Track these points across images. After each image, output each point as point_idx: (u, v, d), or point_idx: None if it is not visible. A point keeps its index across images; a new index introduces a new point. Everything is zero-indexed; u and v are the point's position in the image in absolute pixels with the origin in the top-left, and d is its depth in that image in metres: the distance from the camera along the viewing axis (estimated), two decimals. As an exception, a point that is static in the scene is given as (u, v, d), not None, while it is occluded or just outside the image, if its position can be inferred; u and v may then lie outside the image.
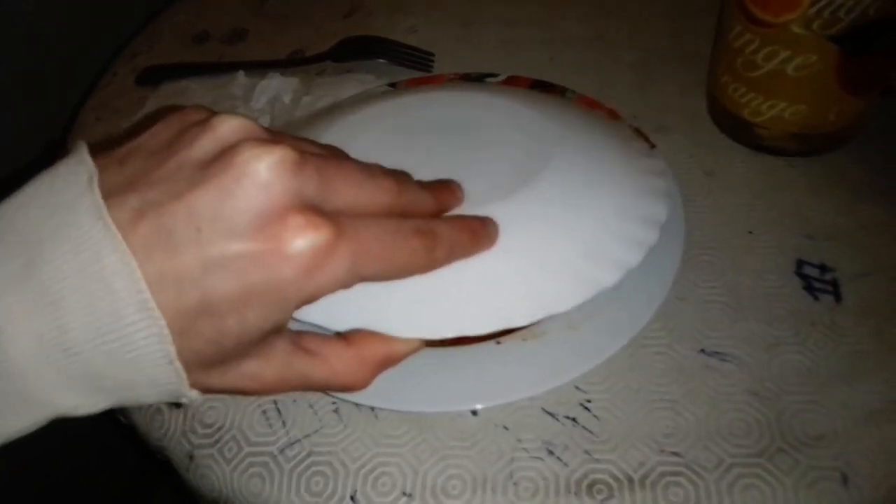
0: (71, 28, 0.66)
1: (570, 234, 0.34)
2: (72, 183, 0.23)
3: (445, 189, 0.33)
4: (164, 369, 0.23)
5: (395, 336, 0.31)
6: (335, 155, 0.29)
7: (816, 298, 0.39)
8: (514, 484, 0.33)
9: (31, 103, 0.64)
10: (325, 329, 0.31)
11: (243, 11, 0.67)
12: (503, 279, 0.33)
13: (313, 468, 0.35)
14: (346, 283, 0.25)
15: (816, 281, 0.40)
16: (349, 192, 0.26)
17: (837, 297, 0.39)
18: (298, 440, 0.36)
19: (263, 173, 0.23)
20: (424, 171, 0.33)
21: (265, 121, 0.54)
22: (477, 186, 0.34)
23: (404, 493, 0.33)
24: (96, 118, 0.57)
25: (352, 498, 0.33)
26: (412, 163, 0.33)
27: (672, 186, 0.43)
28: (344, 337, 0.30)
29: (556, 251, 0.34)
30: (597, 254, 0.34)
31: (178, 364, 0.23)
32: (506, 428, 0.35)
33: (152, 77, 0.60)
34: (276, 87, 0.56)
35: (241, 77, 0.57)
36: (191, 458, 0.36)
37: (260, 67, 0.58)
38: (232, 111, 0.52)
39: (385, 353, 0.30)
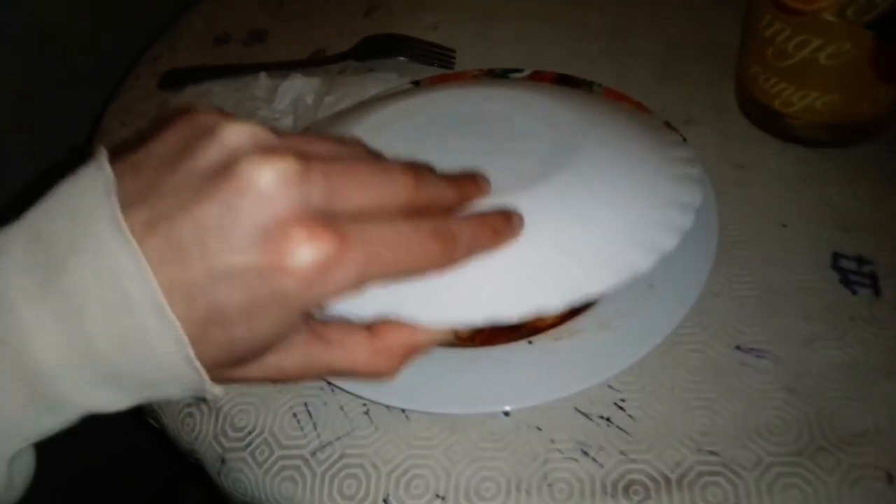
0: (92, 33, 0.67)
1: (602, 220, 0.33)
2: (91, 191, 0.24)
3: (469, 180, 0.32)
4: (185, 370, 0.24)
5: (420, 325, 0.30)
6: (349, 153, 0.29)
7: (854, 292, 0.38)
8: (549, 485, 0.33)
9: (55, 109, 0.64)
10: (348, 316, 0.30)
11: (262, 12, 0.67)
12: (533, 265, 0.32)
13: (345, 471, 0.34)
14: (355, 290, 0.25)
15: (854, 274, 0.39)
16: (360, 194, 0.26)
17: (876, 291, 0.38)
18: (330, 443, 0.35)
19: (265, 186, 0.23)
20: (452, 164, 0.33)
21: (288, 121, 0.53)
22: (505, 176, 0.34)
23: (437, 496, 0.33)
24: (120, 123, 0.58)
25: (384, 501, 0.33)
26: (439, 156, 0.32)
27: (703, 178, 0.42)
28: (368, 326, 0.30)
29: (588, 237, 0.33)
30: (630, 239, 0.33)
31: (197, 364, 0.24)
32: (539, 429, 0.35)
33: (175, 80, 0.60)
34: (299, 88, 0.56)
35: (263, 78, 0.57)
36: (222, 461, 0.36)
37: (281, 68, 0.58)
38: (262, 119, 0.53)
39: (410, 342, 0.30)
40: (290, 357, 0.27)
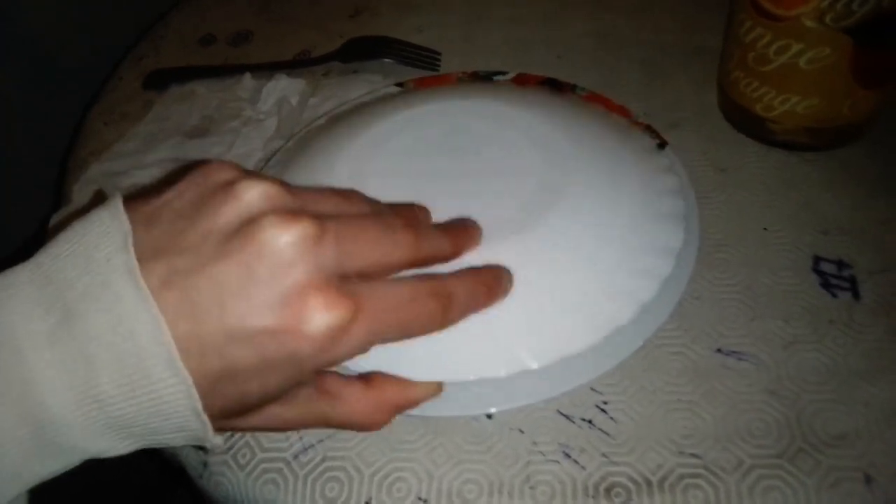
0: (75, 33, 0.66)
1: (584, 270, 0.36)
2: (106, 239, 0.24)
3: (463, 232, 0.34)
4: (191, 420, 0.24)
5: (413, 380, 0.32)
6: (357, 212, 0.30)
7: (834, 295, 0.39)
8: (531, 488, 0.33)
9: (38, 109, 0.64)
10: (344, 367, 0.33)
11: (248, 13, 0.67)
12: (518, 322, 0.34)
13: (328, 474, 0.34)
14: (362, 351, 0.27)
15: (834, 277, 0.39)
16: (368, 255, 0.27)
17: (856, 294, 0.38)
18: (312, 445, 0.35)
19: (285, 250, 0.24)
20: (440, 196, 0.35)
21: (272, 122, 0.53)
22: (492, 219, 0.35)
23: (420, 499, 0.33)
24: (104, 123, 0.57)
25: (367, 503, 0.33)
26: (429, 182, 0.34)
27: (686, 187, 0.42)
28: (364, 379, 0.32)
29: (569, 288, 0.35)
30: (611, 290, 0.35)
31: (204, 417, 0.24)
32: (521, 431, 0.35)
33: (159, 80, 0.59)
34: (283, 89, 0.56)
35: (247, 79, 0.57)
36: (205, 465, 0.36)
37: (266, 69, 0.58)
38: (246, 119, 0.53)
39: (403, 398, 0.32)
40: (292, 409, 0.29)
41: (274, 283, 0.24)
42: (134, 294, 0.23)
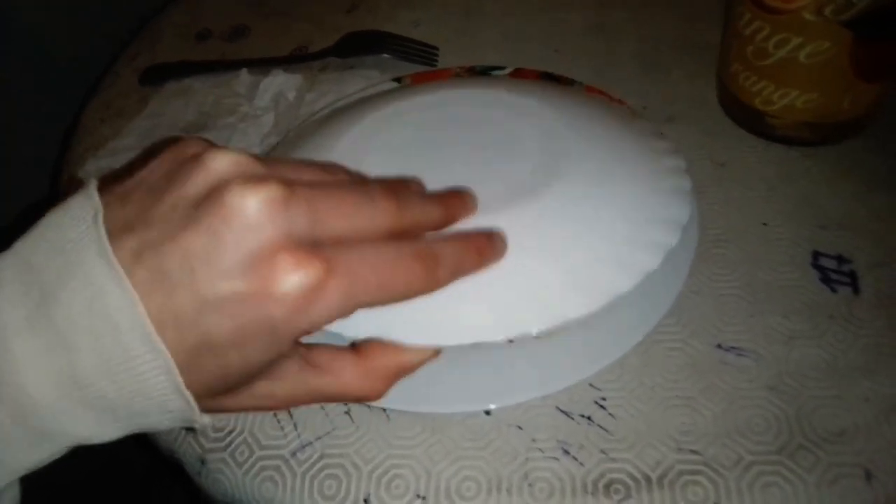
0: (72, 29, 0.66)
1: (586, 239, 0.34)
2: (79, 220, 0.24)
3: (456, 199, 0.32)
4: (175, 399, 0.24)
5: (408, 345, 0.31)
6: (333, 180, 0.29)
7: (834, 290, 0.38)
8: (530, 485, 0.33)
9: (34, 105, 0.63)
10: (337, 336, 0.31)
11: (244, 8, 0.67)
12: (518, 286, 0.32)
13: (326, 471, 0.34)
14: (343, 315, 0.25)
15: (833, 272, 0.39)
16: (343, 221, 0.26)
17: (855, 289, 0.38)
18: (310, 443, 0.35)
19: (251, 213, 0.23)
20: (439, 175, 0.33)
21: (269, 118, 0.53)
22: (492, 191, 0.34)
23: (418, 496, 0.33)
24: (100, 119, 0.57)
25: (365, 501, 0.33)
26: (428, 167, 0.33)
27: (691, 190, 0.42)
28: (355, 348, 0.30)
29: (571, 256, 0.33)
30: (613, 258, 0.34)
31: (187, 394, 0.24)
32: (520, 428, 0.35)
33: (155, 76, 0.59)
34: (280, 85, 0.55)
35: (244, 75, 0.57)
36: (202, 462, 0.36)
37: (263, 65, 0.58)
38: (243, 115, 0.52)
39: (397, 364, 0.31)
40: (281, 385, 0.28)
41: (241, 246, 0.23)
42: (105, 270, 0.23)
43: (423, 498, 0.33)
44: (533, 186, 0.35)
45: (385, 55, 0.57)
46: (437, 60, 0.57)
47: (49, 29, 0.64)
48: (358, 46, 0.58)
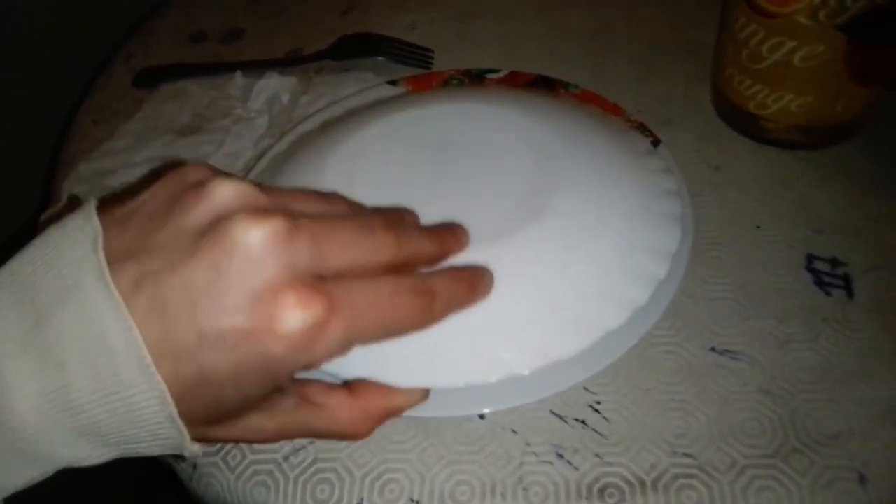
0: (65, 30, 0.66)
1: (577, 274, 0.35)
2: (78, 242, 0.24)
3: (449, 234, 0.33)
4: (167, 427, 0.24)
5: (398, 387, 0.32)
6: (335, 212, 0.29)
7: (828, 294, 0.38)
8: (524, 489, 0.33)
9: (27, 107, 0.63)
10: (329, 374, 0.32)
11: (239, 10, 0.67)
12: (508, 326, 0.33)
13: (319, 476, 0.34)
14: (342, 352, 0.25)
15: (827, 276, 0.39)
16: (345, 255, 0.26)
17: (849, 293, 0.38)
18: (303, 447, 0.35)
19: (255, 248, 0.23)
20: (429, 202, 0.34)
21: (264, 121, 0.53)
22: (483, 221, 0.35)
23: (412, 500, 0.33)
24: (93, 121, 0.57)
25: (359, 505, 0.33)
26: (417, 192, 0.34)
27: (680, 185, 0.42)
28: (348, 387, 0.31)
29: (561, 292, 0.34)
30: (603, 293, 0.34)
31: (180, 424, 0.24)
32: (514, 431, 0.35)
33: (149, 78, 0.59)
34: (275, 87, 0.55)
35: (238, 77, 0.57)
36: (194, 467, 0.35)
37: (258, 67, 0.57)
38: (237, 118, 0.52)
39: (388, 405, 0.31)
40: (273, 419, 0.28)
41: (244, 281, 0.23)
42: (104, 297, 0.22)
43: (417, 502, 0.33)
44: (522, 219, 0.36)
45: (380, 58, 0.57)
46: (432, 63, 0.57)
47: (43, 29, 0.64)
48: (353, 49, 0.58)
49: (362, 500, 0.33)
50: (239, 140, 0.52)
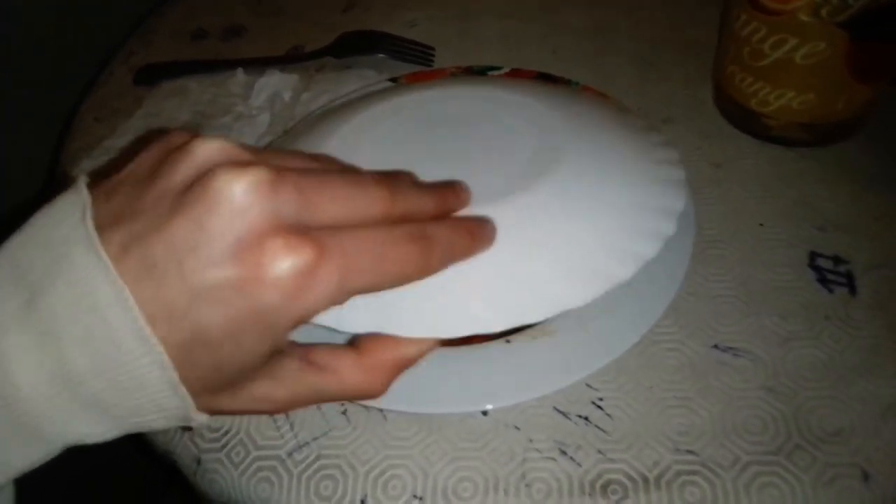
0: (66, 27, 0.66)
1: (583, 228, 0.34)
2: (67, 216, 0.23)
3: (449, 190, 0.32)
4: (169, 395, 0.23)
5: (407, 338, 0.30)
6: (324, 168, 0.28)
7: (831, 291, 0.38)
8: (527, 485, 0.33)
9: (28, 104, 0.63)
10: (334, 332, 0.30)
11: (240, 8, 0.67)
12: (516, 276, 0.32)
13: (322, 472, 0.34)
14: (337, 300, 0.25)
15: (830, 273, 0.39)
16: (334, 207, 0.25)
17: (852, 290, 0.38)
18: (307, 443, 0.35)
19: (238, 198, 0.23)
20: (432, 170, 0.33)
21: (265, 118, 0.53)
22: (486, 184, 0.33)
23: (415, 496, 0.33)
24: (94, 119, 0.57)
25: (362, 501, 0.33)
26: (420, 162, 0.33)
27: (686, 181, 0.42)
28: (354, 345, 0.29)
29: (569, 245, 0.33)
30: (611, 247, 0.33)
31: (182, 390, 0.23)
32: (517, 428, 0.35)
33: (150, 76, 0.59)
34: (276, 84, 0.55)
35: (239, 74, 0.57)
36: (198, 462, 0.36)
37: (259, 64, 0.57)
38: (238, 115, 0.52)
39: (397, 357, 0.29)
40: (281, 386, 0.27)
41: (229, 232, 0.22)
42: (94, 264, 0.22)
43: (420, 498, 0.33)
44: (527, 179, 0.35)
45: (381, 55, 0.57)
46: (433, 60, 0.57)
47: (44, 27, 0.63)
48: (354, 46, 0.58)
49: (365, 496, 0.33)
50: (240, 138, 0.52)
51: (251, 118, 0.53)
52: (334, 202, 0.25)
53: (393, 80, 0.52)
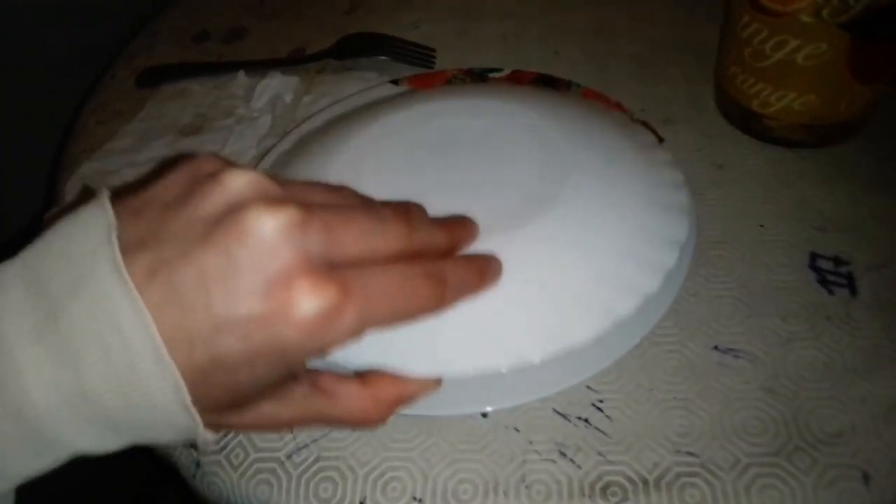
0: (68, 29, 0.66)
1: (586, 262, 0.35)
2: (91, 232, 0.24)
3: (459, 226, 0.33)
4: (181, 416, 0.24)
5: (410, 376, 0.32)
6: (347, 203, 0.29)
7: (831, 292, 0.38)
8: (527, 487, 0.33)
9: (30, 106, 0.63)
10: (339, 365, 0.32)
11: (242, 10, 0.67)
12: (518, 314, 0.33)
13: (321, 474, 0.34)
14: (355, 337, 0.25)
15: (831, 274, 0.39)
16: (357, 244, 0.26)
17: (853, 291, 0.38)
18: (306, 445, 0.35)
19: (269, 236, 0.23)
20: (438, 196, 0.33)
21: (266, 120, 0.53)
22: (491, 214, 0.34)
23: (414, 499, 0.33)
24: (97, 121, 0.57)
25: (361, 503, 0.33)
26: (426, 188, 0.34)
27: (691, 207, 0.42)
28: (360, 377, 0.31)
29: (572, 280, 0.34)
30: (614, 281, 0.34)
31: (194, 411, 0.24)
32: (517, 430, 0.35)
33: (152, 78, 0.59)
34: (277, 87, 0.55)
35: (241, 77, 0.57)
36: (198, 464, 0.36)
37: (260, 67, 0.58)
38: (240, 117, 0.52)
39: (399, 394, 0.31)
40: (287, 407, 0.28)
41: (259, 269, 0.23)
42: (118, 286, 0.22)
43: (420, 500, 0.33)
44: (532, 207, 0.36)
45: (382, 57, 0.57)
46: (434, 62, 0.57)
47: (46, 29, 0.64)
48: (355, 48, 0.58)
49: (365, 498, 0.33)
50: (242, 140, 0.52)
51: (252, 120, 0.53)
52: (357, 239, 0.26)
53: (394, 81, 0.53)
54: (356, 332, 0.25)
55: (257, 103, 0.55)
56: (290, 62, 0.58)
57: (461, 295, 0.30)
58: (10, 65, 0.60)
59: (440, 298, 0.28)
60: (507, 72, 0.52)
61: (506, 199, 0.37)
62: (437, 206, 0.34)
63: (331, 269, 0.24)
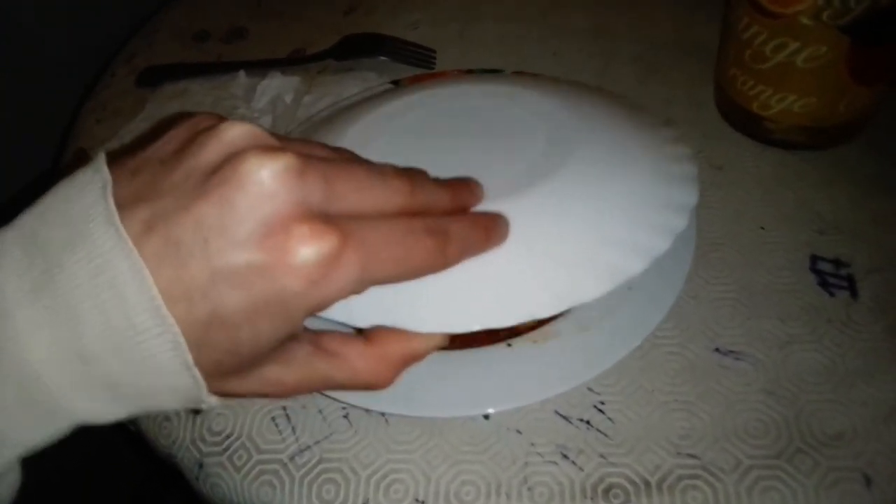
0: (68, 29, 0.66)
1: (594, 223, 0.33)
2: (87, 192, 0.23)
3: (464, 187, 0.32)
4: (183, 376, 0.23)
5: (416, 332, 0.30)
6: (345, 158, 0.29)
7: (832, 294, 0.38)
8: (529, 489, 0.33)
9: (30, 106, 0.63)
10: (345, 326, 0.31)
11: (242, 10, 0.67)
12: (527, 271, 0.32)
13: (324, 475, 0.34)
14: (357, 290, 0.25)
15: (831, 276, 0.39)
16: (357, 196, 0.25)
17: (853, 293, 0.38)
18: (309, 447, 0.35)
19: (266, 182, 0.23)
20: (445, 166, 0.32)
21: (267, 121, 0.53)
22: (498, 180, 0.34)
23: (417, 500, 0.33)
24: (96, 120, 0.57)
25: (364, 505, 0.33)
26: (432, 158, 0.32)
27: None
28: (364, 335, 0.30)
29: (580, 241, 0.33)
30: (623, 242, 0.33)
31: (195, 371, 0.23)
32: (519, 432, 0.35)
33: (152, 78, 0.59)
34: (278, 87, 0.55)
35: (241, 77, 0.57)
36: (200, 466, 0.36)
37: (261, 67, 0.57)
38: (240, 118, 0.52)
39: (406, 351, 0.30)
40: (291, 371, 0.27)
41: (255, 216, 0.22)
42: (113, 241, 0.22)
43: (422, 502, 0.33)
44: (539, 174, 0.35)
45: (383, 58, 0.57)
46: (434, 63, 0.57)
47: (46, 28, 0.64)
48: (356, 49, 0.58)
49: (368, 500, 0.33)
50: (242, 140, 0.52)
51: (253, 121, 0.53)
52: (358, 192, 0.25)
53: (395, 82, 0.53)
54: (357, 283, 0.24)
55: (258, 103, 0.55)
56: (290, 62, 0.58)
57: (465, 253, 0.29)
58: (10, 65, 0.60)
59: (443, 254, 0.28)
60: (507, 73, 0.52)
61: (512, 168, 0.35)
62: (443, 175, 0.32)
63: (331, 217, 0.24)
